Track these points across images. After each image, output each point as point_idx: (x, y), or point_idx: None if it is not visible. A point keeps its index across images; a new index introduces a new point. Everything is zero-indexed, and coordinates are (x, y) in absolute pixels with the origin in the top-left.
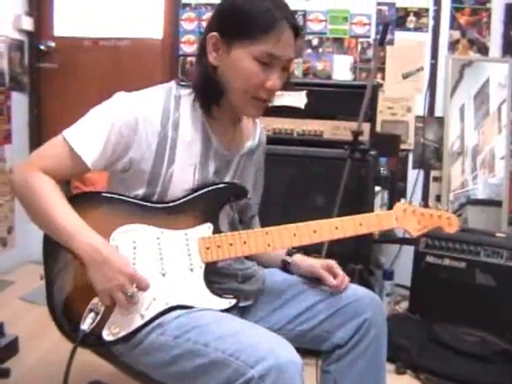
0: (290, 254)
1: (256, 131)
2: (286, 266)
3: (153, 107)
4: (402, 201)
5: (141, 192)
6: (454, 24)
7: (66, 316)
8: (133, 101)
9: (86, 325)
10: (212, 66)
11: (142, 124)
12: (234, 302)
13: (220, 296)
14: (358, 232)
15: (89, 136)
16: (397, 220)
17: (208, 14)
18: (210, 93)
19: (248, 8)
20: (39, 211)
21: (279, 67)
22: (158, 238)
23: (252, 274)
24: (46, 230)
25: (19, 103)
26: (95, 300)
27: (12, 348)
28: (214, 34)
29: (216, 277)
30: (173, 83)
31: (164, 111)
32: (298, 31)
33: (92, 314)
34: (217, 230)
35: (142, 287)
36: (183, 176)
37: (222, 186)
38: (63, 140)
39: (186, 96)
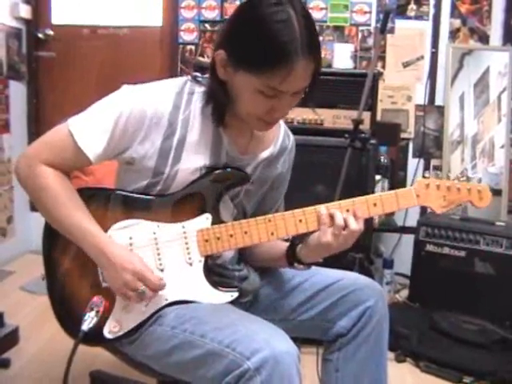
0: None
1: (279, 136)
2: (293, 253)
3: (162, 103)
4: (427, 174)
5: (144, 184)
6: (454, 12)
7: (67, 312)
8: (142, 96)
9: (87, 324)
10: (221, 80)
11: (149, 121)
12: (236, 295)
13: (221, 290)
14: (371, 214)
15: (93, 130)
16: (418, 197)
17: (207, 2)
18: (219, 105)
19: (257, 36)
20: (49, 210)
21: (288, 96)
22: (154, 233)
23: (247, 274)
24: (56, 228)
25: (17, 92)
26: (95, 298)
27: (12, 338)
28: (221, 52)
29: (215, 276)
30: (187, 78)
31: (174, 108)
32: (314, 54)
33: (92, 313)
34: (216, 221)
35: (150, 285)
36: (189, 176)
37: (218, 172)
38: (68, 131)
39: (200, 93)
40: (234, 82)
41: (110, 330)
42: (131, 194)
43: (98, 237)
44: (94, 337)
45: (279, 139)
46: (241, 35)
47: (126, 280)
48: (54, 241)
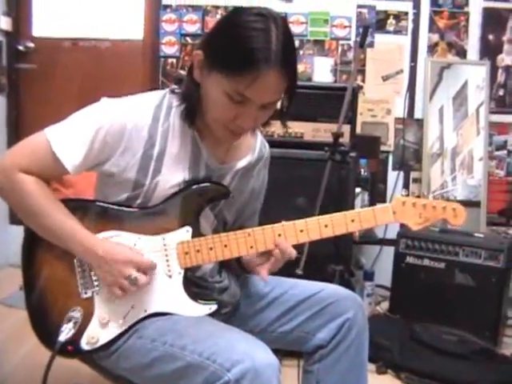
0: None
1: (256, 145)
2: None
3: (142, 116)
4: (403, 192)
5: (124, 197)
6: (432, 27)
7: (44, 324)
8: (121, 108)
9: (64, 335)
10: (195, 82)
11: (129, 133)
12: (214, 307)
13: (200, 302)
14: (349, 230)
15: (72, 141)
16: (395, 214)
17: (189, 16)
18: (191, 107)
19: (232, 39)
20: (34, 216)
21: (254, 107)
22: (135, 245)
23: (227, 285)
24: (42, 234)
25: None
26: (73, 309)
27: None
28: (200, 52)
29: (195, 288)
30: (166, 91)
31: (153, 120)
32: (287, 70)
33: (70, 324)
34: (196, 234)
35: (144, 268)
36: (169, 189)
37: (200, 186)
38: (46, 141)
39: (178, 106)
40: (206, 84)
41: (87, 342)
42: (113, 206)
43: (84, 235)
44: (72, 348)
45: (256, 148)
46: (218, 37)
47: (118, 269)
48: (34, 251)
